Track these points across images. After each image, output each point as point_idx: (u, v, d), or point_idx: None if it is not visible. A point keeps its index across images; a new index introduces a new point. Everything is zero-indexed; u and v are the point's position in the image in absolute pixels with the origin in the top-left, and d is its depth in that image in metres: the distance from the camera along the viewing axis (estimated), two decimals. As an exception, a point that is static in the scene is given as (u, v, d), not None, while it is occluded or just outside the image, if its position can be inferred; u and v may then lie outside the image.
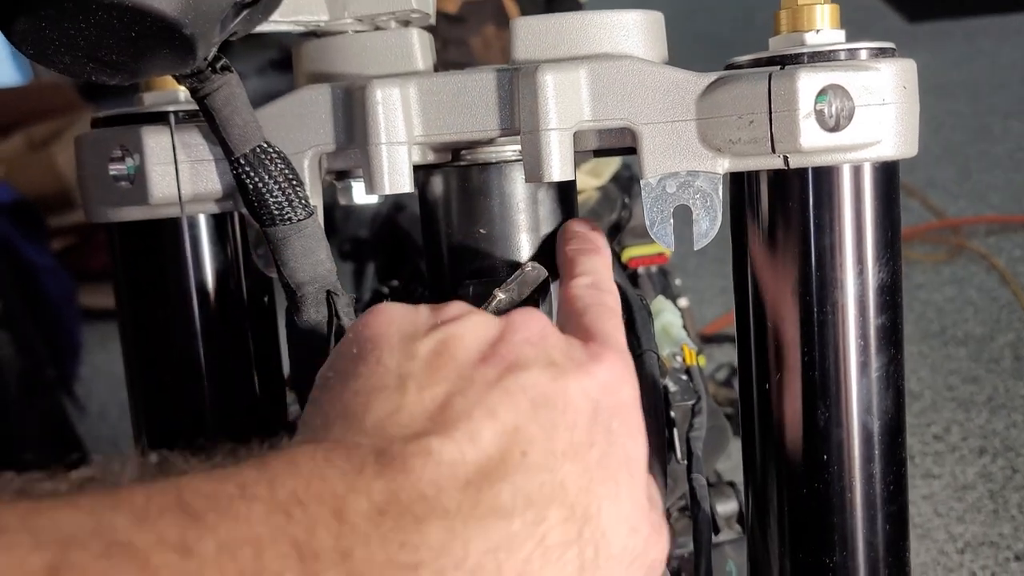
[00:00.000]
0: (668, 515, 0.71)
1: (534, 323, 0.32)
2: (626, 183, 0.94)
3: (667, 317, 0.63)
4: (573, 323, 0.35)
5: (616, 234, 0.85)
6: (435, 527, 0.25)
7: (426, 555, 0.24)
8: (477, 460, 0.27)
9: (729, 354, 1.82)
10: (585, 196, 0.84)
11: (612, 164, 0.93)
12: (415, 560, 0.24)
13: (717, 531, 0.63)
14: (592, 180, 0.87)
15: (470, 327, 0.32)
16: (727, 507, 0.69)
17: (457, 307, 0.33)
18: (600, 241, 0.40)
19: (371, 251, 0.95)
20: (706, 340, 1.68)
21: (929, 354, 2.01)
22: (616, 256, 0.86)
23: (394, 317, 0.32)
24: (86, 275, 2.55)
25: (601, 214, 0.75)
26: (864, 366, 0.38)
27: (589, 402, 0.31)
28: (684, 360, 0.61)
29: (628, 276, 0.87)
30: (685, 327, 0.71)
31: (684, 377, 0.60)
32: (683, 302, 0.94)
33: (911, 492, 1.32)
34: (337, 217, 1.22)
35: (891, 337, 0.38)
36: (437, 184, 0.42)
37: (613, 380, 0.32)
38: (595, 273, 0.38)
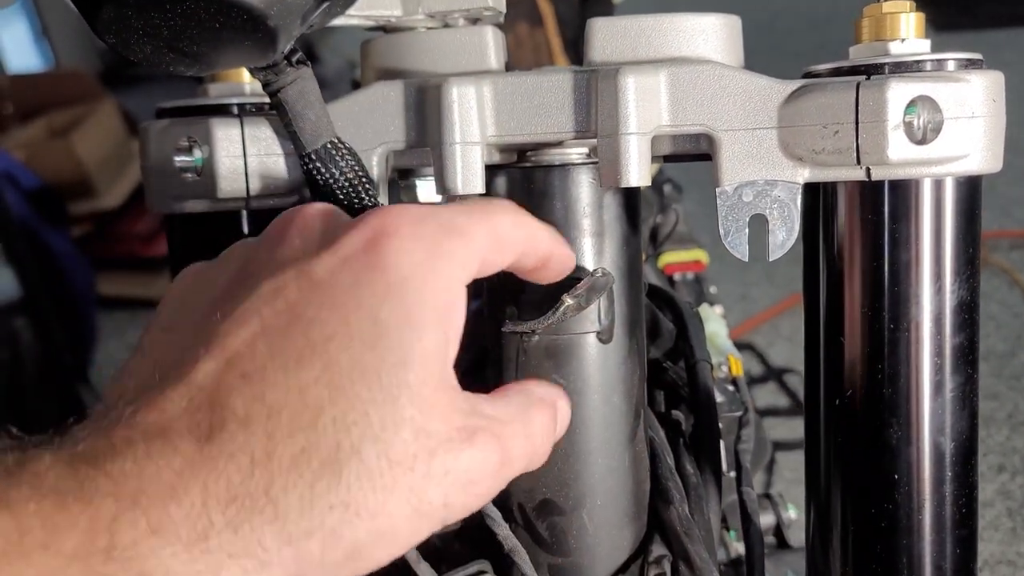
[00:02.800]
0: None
1: (289, 217, 0.30)
2: (660, 188, 0.93)
3: (712, 326, 0.63)
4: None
5: (653, 241, 0.84)
6: (128, 463, 0.24)
7: (121, 493, 0.24)
8: (190, 399, 0.26)
9: (748, 362, 1.81)
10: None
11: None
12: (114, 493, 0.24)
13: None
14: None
15: (233, 257, 0.31)
16: (764, 520, 0.68)
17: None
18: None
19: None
20: (737, 347, 1.67)
21: (949, 368, 1.99)
22: (653, 262, 0.85)
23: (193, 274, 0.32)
24: (103, 263, 2.55)
25: (644, 217, 0.74)
26: (939, 385, 0.37)
27: (340, 286, 0.27)
28: (730, 370, 0.60)
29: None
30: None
31: (731, 387, 0.59)
32: (718, 310, 0.93)
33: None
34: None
35: (967, 357, 0.37)
36: (501, 185, 0.41)
37: (374, 247, 0.28)
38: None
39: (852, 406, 0.38)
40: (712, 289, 0.93)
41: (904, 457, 0.37)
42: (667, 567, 0.42)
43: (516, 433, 0.30)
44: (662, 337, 0.52)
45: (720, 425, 0.55)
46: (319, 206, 0.31)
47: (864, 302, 0.37)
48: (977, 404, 0.38)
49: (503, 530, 0.39)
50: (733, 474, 0.52)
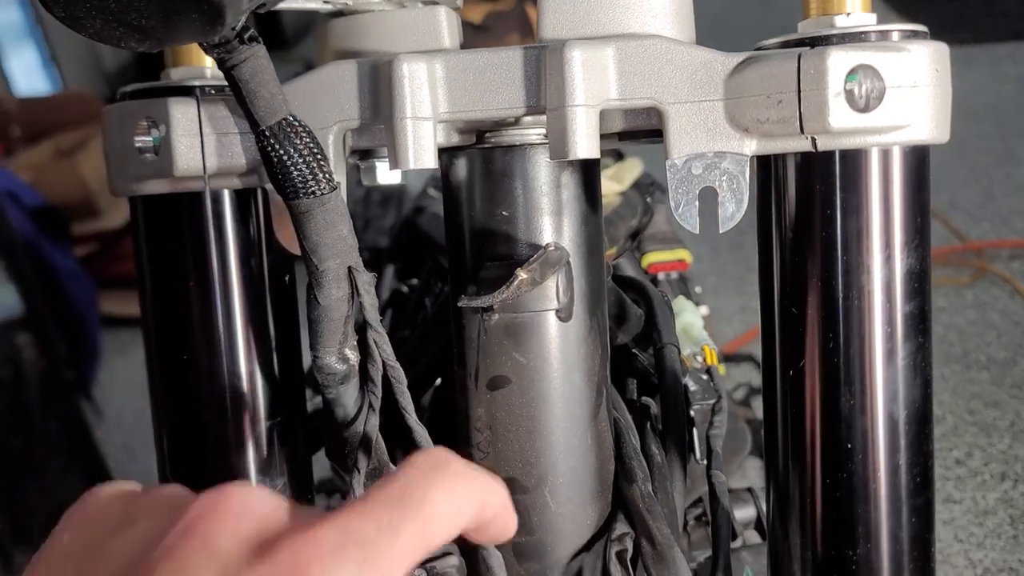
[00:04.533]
0: (685, 523, 0.70)
1: (216, 520, 0.27)
2: (647, 189, 0.94)
3: (687, 317, 0.63)
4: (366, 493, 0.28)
5: (636, 239, 0.85)
6: None
7: None
8: None
9: (748, 374, 1.80)
10: (607, 201, 0.84)
11: (634, 170, 0.92)
12: None
13: (735, 536, 0.62)
14: (614, 185, 0.86)
15: (140, 531, 0.28)
16: (745, 513, 0.68)
17: (165, 493, 0.30)
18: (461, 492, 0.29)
19: (389, 254, 0.95)
20: (726, 359, 1.67)
21: (951, 377, 1.98)
22: (636, 262, 0.85)
23: (91, 511, 0.29)
24: (107, 283, 2.57)
25: (623, 218, 0.75)
26: (890, 354, 0.37)
27: None
28: (705, 360, 0.61)
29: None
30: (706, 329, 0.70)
31: (705, 377, 0.59)
32: (703, 310, 0.93)
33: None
34: (357, 228, 1.22)
35: (918, 325, 0.38)
36: (461, 166, 0.42)
37: None
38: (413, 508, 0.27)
39: (806, 376, 0.38)
40: (697, 289, 0.93)
41: (858, 426, 0.38)
42: (629, 544, 0.43)
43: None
44: (630, 322, 0.53)
45: (693, 413, 0.55)
46: (252, 499, 0.28)
47: (815, 272, 0.37)
48: (931, 373, 0.38)
49: (459, 502, 0.39)
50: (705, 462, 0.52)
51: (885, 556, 0.38)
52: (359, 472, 0.39)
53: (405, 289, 0.77)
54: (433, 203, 0.94)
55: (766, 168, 0.39)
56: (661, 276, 0.87)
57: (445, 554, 0.45)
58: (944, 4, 4.07)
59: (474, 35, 1.30)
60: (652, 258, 0.87)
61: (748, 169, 0.37)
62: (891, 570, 0.38)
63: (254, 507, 0.27)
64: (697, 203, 0.38)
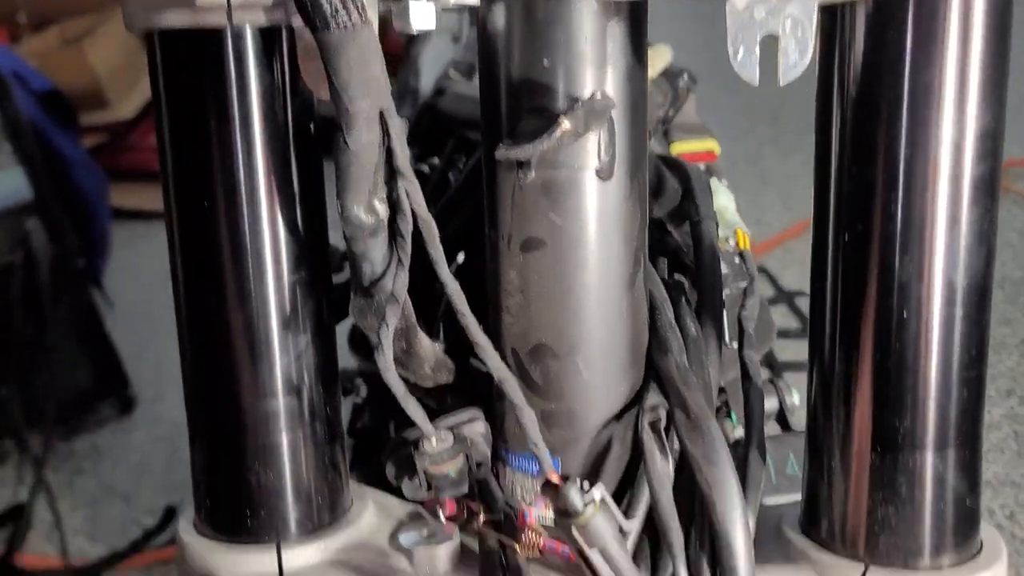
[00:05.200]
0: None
1: None
2: (676, 77, 0.90)
3: (722, 200, 0.60)
4: None
5: (664, 126, 0.82)
6: None
7: None
8: None
9: (761, 285, 1.79)
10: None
11: (663, 57, 0.89)
12: None
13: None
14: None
15: None
16: (768, 404, 0.67)
17: None
18: None
19: (409, 144, 0.92)
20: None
21: (966, 294, 1.97)
22: (665, 149, 0.83)
23: None
24: (116, 175, 2.54)
25: (651, 104, 0.72)
26: (954, 219, 0.35)
27: None
28: (737, 243, 0.59)
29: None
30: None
31: (737, 260, 0.57)
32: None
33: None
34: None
35: (988, 189, 0.35)
36: (499, 12, 0.39)
37: None
38: None
39: (862, 242, 0.36)
40: (724, 181, 0.91)
41: (914, 294, 0.36)
42: (662, 414, 0.41)
43: None
44: (666, 195, 0.51)
45: (725, 296, 0.54)
46: None
47: (880, 129, 0.35)
48: (995, 241, 0.36)
49: (494, 360, 0.38)
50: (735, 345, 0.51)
51: (931, 429, 0.37)
52: (388, 328, 0.38)
53: (426, 168, 0.75)
54: (454, 84, 0.91)
55: (832, 16, 0.36)
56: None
57: (472, 419, 0.44)
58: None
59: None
60: (680, 148, 0.84)
61: (815, 15, 0.34)
62: (936, 444, 0.37)
63: None
64: (757, 52, 0.35)
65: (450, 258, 0.56)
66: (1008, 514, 1.51)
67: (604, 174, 0.40)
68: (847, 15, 0.36)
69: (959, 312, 0.36)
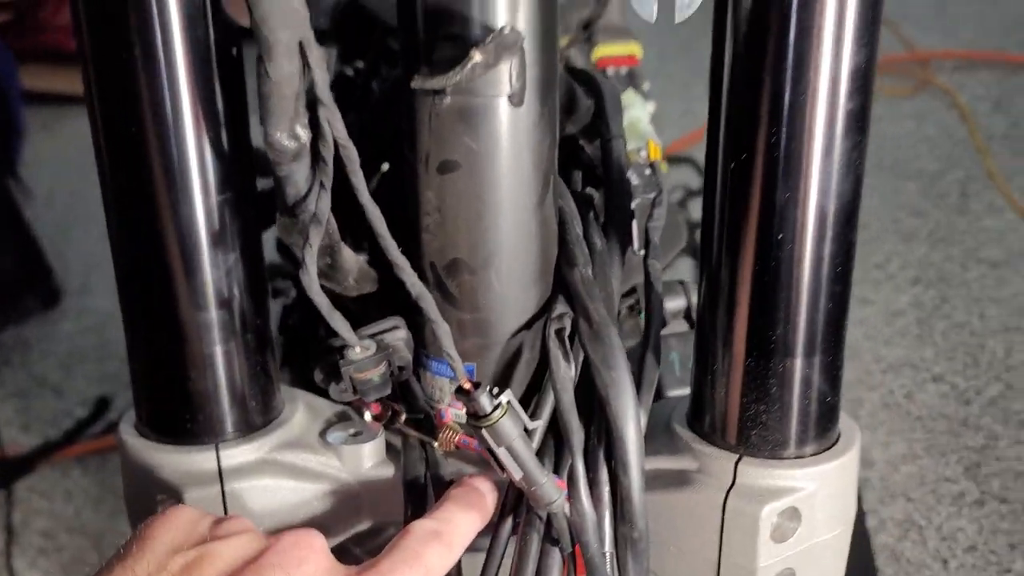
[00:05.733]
0: (619, 312, 0.74)
1: (297, 548, 0.36)
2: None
3: (635, 112, 0.63)
4: (384, 553, 0.38)
5: (588, 29, 0.83)
6: None
7: None
8: None
9: (686, 176, 1.83)
10: (560, -12, 0.81)
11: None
12: None
13: (664, 324, 0.66)
14: (568, -28, 0.83)
15: (232, 546, 0.36)
16: (675, 304, 0.72)
17: (237, 524, 0.38)
18: (483, 504, 0.43)
19: (332, 37, 0.92)
20: (667, 160, 1.69)
21: (880, 187, 2.05)
22: (587, 54, 0.84)
23: (174, 524, 0.37)
24: (27, 56, 2.42)
25: (576, 6, 0.73)
26: (828, 150, 0.39)
27: None
28: (648, 155, 0.62)
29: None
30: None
31: (647, 171, 0.61)
32: (651, 107, 0.93)
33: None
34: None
35: (858, 124, 0.39)
36: (414, -63, 0.41)
37: None
38: (448, 523, 0.40)
39: (746, 169, 0.40)
40: (646, 86, 0.93)
41: (790, 217, 0.40)
42: (567, 322, 0.45)
43: None
44: (579, 113, 0.53)
45: (634, 206, 0.57)
46: (313, 542, 0.38)
47: (765, 66, 0.38)
48: (863, 170, 0.40)
49: (411, 277, 0.41)
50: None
51: (801, 337, 0.42)
52: (311, 247, 0.40)
53: (350, 72, 0.75)
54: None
55: (726, -43, 0.38)
56: (611, 71, 0.86)
57: (394, 327, 0.47)
58: None
59: None
60: (602, 51, 0.86)
61: (708, -44, 0.36)
62: (804, 350, 0.42)
63: (326, 548, 0.38)
64: (655, -13, 0.37)
65: (375, 169, 0.58)
66: (906, 393, 1.63)
67: (516, 100, 0.42)
68: (740, -44, 0.38)
69: (828, 234, 0.40)
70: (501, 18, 0.40)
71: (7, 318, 1.83)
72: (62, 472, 1.44)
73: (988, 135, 2.17)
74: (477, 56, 0.38)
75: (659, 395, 0.65)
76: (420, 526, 0.40)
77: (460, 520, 0.41)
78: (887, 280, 1.83)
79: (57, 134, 2.50)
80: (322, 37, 0.95)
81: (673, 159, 1.83)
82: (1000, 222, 1.94)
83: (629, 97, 0.63)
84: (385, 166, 0.59)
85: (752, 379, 0.42)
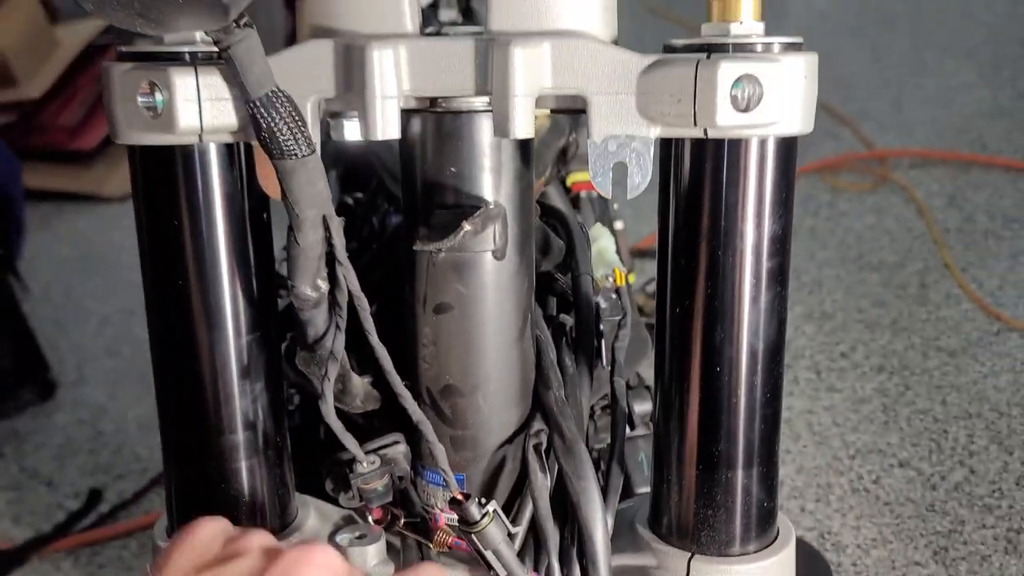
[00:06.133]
0: (592, 412, 0.82)
1: (298, 565, 0.39)
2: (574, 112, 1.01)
3: (603, 243, 0.72)
4: None
5: (563, 160, 0.93)
6: None
7: None
8: None
9: (654, 269, 1.93)
10: (536, 124, 0.91)
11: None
12: None
13: (633, 426, 0.74)
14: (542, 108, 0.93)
15: (244, 566, 0.39)
16: (643, 407, 0.80)
17: (252, 540, 0.41)
18: None
19: (332, 160, 1.01)
20: (639, 254, 1.79)
21: (845, 278, 2.15)
22: (561, 181, 0.94)
23: (199, 541, 0.41)
24: (29, 155, 2.52)
25: (549, 145, 0.82)
26: (755, 299, 0.47)
27: None
28: (615, 281, 0.70)
29: (571, 199, 0.95)
30: (618, 250, 0.80)
31: (614, 296, 0.69)
32: (619, 225, 1.03)
33: (814, 403, 1.47)
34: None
35: (778, 277, 0.48)
36: (416, 126, 0.50)
37: None
38: None
39: (689, 313, 0.48)
40: (615, 206, 1.03)
41: (726, 353, 0.48)
42: (543, 438, 0.53)
43: None
44: (553, 253, 0.62)
45: (603, 327, 0.65)
46: (316, 557, 0.40)
47: (701, 233, 0.47)
48: (785, 314, 0.49)
49: (412, 405, 0.49)
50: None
51: (740, 452, 0.50)
52: (328, 380, 0.48)
53: (350, 201, 0.84)
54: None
55: (667, 149, 0.48)
56: (583, 194, 0.96)
57: (394, 442, 0.55)
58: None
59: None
60: (575, 177, 0.95)
61: (652, 149, 0.46)
62: (744, 463, 0.50)
63: (335, 564, 0.40)
64: (611, 174, 0.46)
65: (372, 303, 0.67)
66: (874, 479, 1.70)
67: (499, 255, 0.51)
68: (678, 147, 0.47)
69: (759, 366, 0.48)
70: (488, 193, 0.49)
71: (3, 411, 1.86)
72: (53, 565, 1.47)
73: (944, 228, 2.29)
74: (467, 226, 0.47)
75: (630, 492, 0.72)
76: None
77: None
78: (853, 368, 1.92)
79: (55, 231, 2.58)
80: (323, 151, 1.05)
81: (647, 252, 1.92)
82: (957, 312, 2.04)
83: (597, 230, 0.72)
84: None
85: (700, 487, 0.50)
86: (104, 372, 2.06)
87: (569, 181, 0.94)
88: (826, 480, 1.70)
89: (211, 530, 0.42)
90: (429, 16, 1.30)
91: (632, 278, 0.90)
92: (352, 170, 0.95)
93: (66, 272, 2.38)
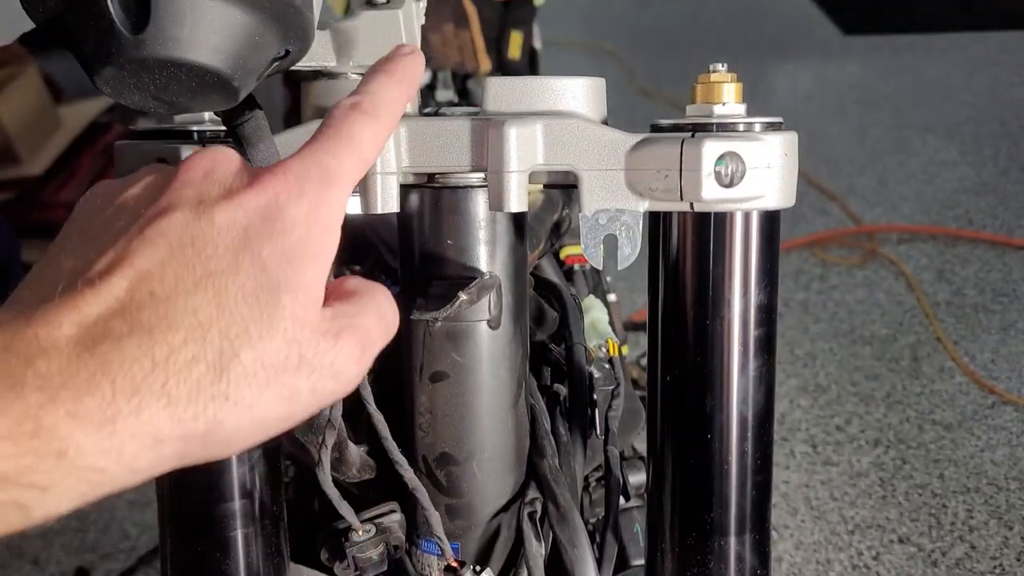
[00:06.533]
0: (587, 483, 0.82)
1: (202, 162, 0.35)
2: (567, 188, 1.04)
3: (595, 314, 0.74)
4: (311, 139, 0.37)
5: (556, 234, 0.95)
6: (53, 364, 0.30)
7: (46, 387, 0.30)
8: (106, 307, 0.31)
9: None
10: (530, 199, 0.94)
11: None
12: (40, 387, 0.30)
13: (628, 497, 0.75)
14: (535, 183, 0.96)
15: (141, 186, 0.36)
16: (638, 478, 0.80)
17: (147, 168, 0.37)
18: (407, 71, 0.40)
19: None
20: (634, 327, 1.81)
21: (838, 351, 2.17)
22: (555, 255, 0.96)
23: (94, 193, 0.37)
24: (28, 230, 2.55)
25: (543, 220, 0.85)
26: (743, 367, 0.49)
27: (235, 231, 0.33)
28: (608, 351, 0.72)
29: (564, 272, 0.97)
30: (611, 321, 0.81)
31: (607, 366, 0.71)
32: (612, 297, 1.04)
33: (811, 477, 1.48)
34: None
35: (766, 346, 0.49)
36: (414, 200, 0.52)
37: (270, 206, 0.34)
38: (369, 99, 0.38)
39: (679, 381, 0.50)
40: (608, 278, 1.05)
41: (716, 421, 0.49)
42: (538, 506, 0.54)
43: (372, 322, 0.35)
44: (547, 323, 0.63)
45: (596, 396, 0.67)
46: (230, 155, 0.36)
47: (689, 303, 0.49)
48: (773, 381, 0.50)
49: (408, 473, 0.50)
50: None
51: (733, 519, 0.50)
52: (327, 448, 0.49)
53: (348, 274, 0.86)
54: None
55: (656, 222, 0.49)
56: (577, 267, 0.98)
57: (390, 511, 0.55)
58: (857, -7, 4.26)
59: (412, 22, 1.37)
60: (569, 251, 0.98)
61: (641, 222, 0.47)
62: (736, 530, 0.50)
63: (235, 156, 0.37)
64: (602, 246, 0.48)
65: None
66: (874, 555, 1.68)
67: (494, 324, 0.52)
68: (666, 220, 0.49)
69: (749, 434, 0.49)
70: (483, 265, 0.51)
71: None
72: (42, 645, 1.44)
73: (934, 302, 2.32)
74: (463, 296, 0.48)
75: (626, 563, 0.72)
76: (337, 106, 0.38)
77: (381, 86, 0.39)
78: (849, 442, 1.92)
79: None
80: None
81: (641, 325, 1.94)
82: (951, 385, 2.05)
83: (589, 302, 0.74)
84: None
85: (693, 555, 0.50)
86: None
87: (563, 254, 0.96)
88: (825, 556, 1.69)
89: (113, 181, 0.38)
90: (427, 96, 1.35)
91: (626, 350, 0.91)
92: (351, 245, 0.97)
93: (61, 347, 2.38)
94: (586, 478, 0.72)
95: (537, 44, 1.56)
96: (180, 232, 0.33)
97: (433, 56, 1.37)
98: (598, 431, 0.65)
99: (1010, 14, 3.94)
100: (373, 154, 0.38)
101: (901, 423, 1.96)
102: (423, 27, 1.30)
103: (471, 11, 1.39)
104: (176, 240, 0.33)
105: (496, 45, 1.43)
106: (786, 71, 3.70)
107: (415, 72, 0.41)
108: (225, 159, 0.36)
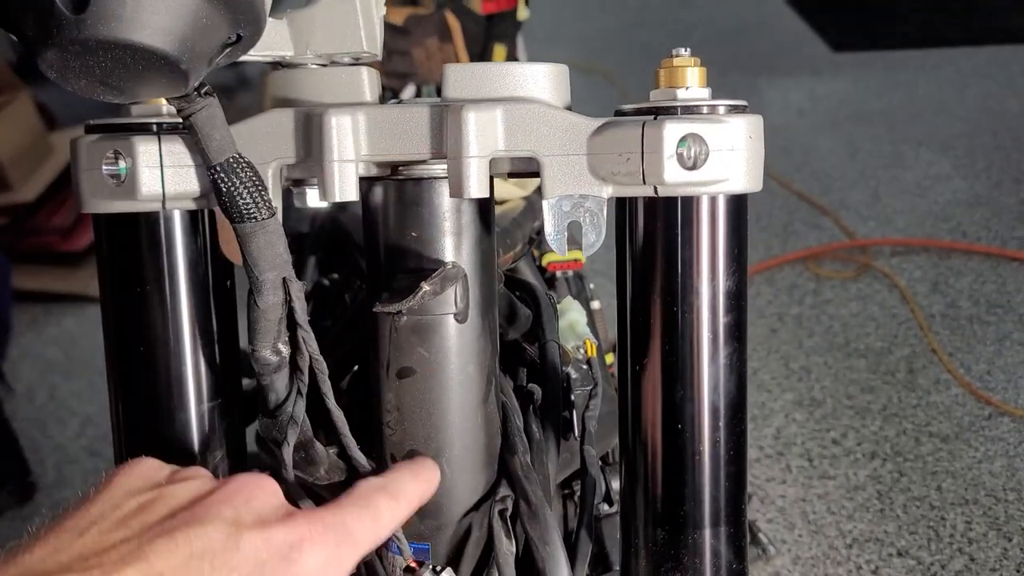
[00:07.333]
0: (571, 491, 0.81)
1: (247, 486, 0.40)
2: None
3: (573, 316, 0.73)
4: (334, 502, 0.43)
5: (535, 240, 0.94)
6: None
7: None
8: None
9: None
10: (512, 205, 0.93)
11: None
12: None
13: (611, 503, 0.73)
14: (518, 190, 0.96)
15: (186, 487, 0.39)
16: (618, 483, 0.79)
17: (195, 470, 0.41)
18: (429, 475, 0.49)
19: (312, 246, 1.03)
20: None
21: (833, 365, 2.15)
22: (534, 261, 0.95)
23: (136, 472, 0.40)
24: (20, 257, 2.55)
25: (521, 225, 0.84)
26: (713, 355, 0.48)
27: (254, 563, 0.37)
28: (586, 352, 0.71)
29: (546, 279, 0.96)
30: (593, 325, 0.80)
31: (585, 367, 0.70)
32: (596, 304, 1.04)
33: (808, 491, 1.46)
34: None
35: (735, 333, 0.48)
36: (378, 194, 0.51)
37: (294, 547, 0.38)
38: (395, 486, 0.46)
39: (648, 371, 0.49)
40: (591, 285, 1.04)
41: (687, 410, 0.48)
42: (509, 504, 0.52)
43: (365, 534, 0.42)
44: (519, 321, 0.62)
45: (574, 398, 0.65)
46: (274, 488, 0.42)
47: (656, 290, 0.48)
48: (745, 370, 0.49)
49: (365, 470, 0.48)
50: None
51: (706, 512, 0.49)
52: (288, 445, 0.48)
53: (326, 282, 0.85)
54: (355, 204, 1.02)
55: (620, 207, 0.49)
56: (559, 274, 0.97)
57: None
58: (847, 11, 4.29)
59: (395, 37, 1.38)
60: (550, 257, 0.97)
61: (605, 208, 0.47)
62: (711, 522, 0.49)
63: (277, 490, 0.41)
64: (566, 233, 0.47)
65: (347, 370, 0.67)
66: (873, 569, 1.66)
67: (460, 318, 0.51)
68: (630, 205, 0.48)
69: (720, 424, 0.48)
70: (448, 256, 0.50)
71: (-20, 516, 1.82)
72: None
73: (928, 314, 2.30)
74: (426, 287, 0.47)
75: (608, 568, 0.71)
76: (367, 482, 0.44)
77: (406, 480, 0.46)
78: (845, 455, 1.90)
79: (42, 331, 2.58)
80: (303, 240, 1.07)
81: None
82: (947, 397, 2.03)
83: (567, 303, 0.73)
84: (355, 367, 0.67)
85: (667, 550, 0.49)
86: (84, 473, 2.02)
87: (544, 261, 0.96)
88: (823, 571, 1.66)
89: (149, 463, 0.42)
90: (390, 97, 1.34)
91: (610, 358, 0.90)
92: (329, 256, 0.96)
93: (50, 373, 2.37)
94: (568, 484, 0.71)
95: (522, 58, 1.57)
96: (204, 545, 0.36)
97: (417, 71, 1.37)
98: (576, 432, 0.64)
99: (1000, 28, 3.96)
100: (387, 531, 0.44)
101: (898, 435, 1.94)
102: (407, 40, 1.29)
103: (455, 25, 1.39)
104: (198, 551, 0.35)
105: (480, 59, 1.43)
106: (777, 87, 3.72)
107: (434, 477, 0.49)
108: (268, 492, 0.40)
